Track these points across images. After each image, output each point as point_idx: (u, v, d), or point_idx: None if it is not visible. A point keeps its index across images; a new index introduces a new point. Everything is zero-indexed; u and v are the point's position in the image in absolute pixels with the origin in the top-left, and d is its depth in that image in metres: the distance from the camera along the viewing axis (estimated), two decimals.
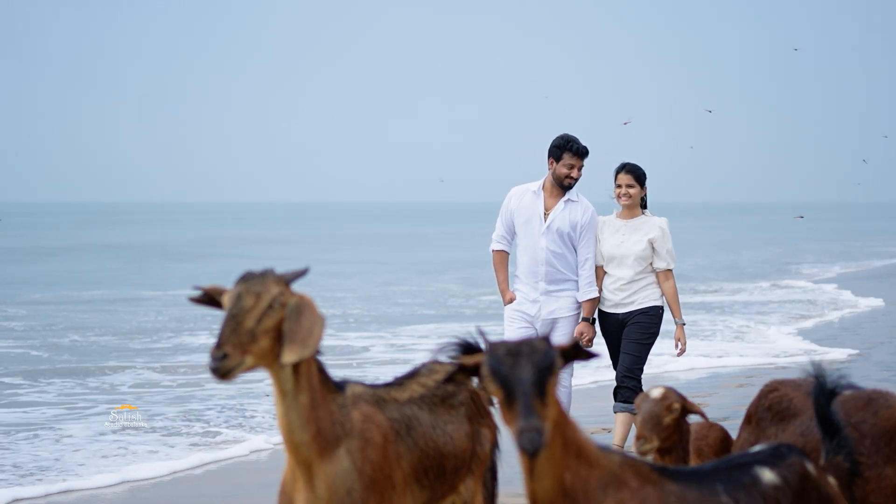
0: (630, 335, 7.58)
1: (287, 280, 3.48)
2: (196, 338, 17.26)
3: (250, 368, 3.37)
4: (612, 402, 7.70)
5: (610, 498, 3.14)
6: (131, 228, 70.18)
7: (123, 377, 13.27)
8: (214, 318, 19.83)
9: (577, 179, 7.68)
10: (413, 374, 4.08)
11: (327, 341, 13.99)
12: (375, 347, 15.79)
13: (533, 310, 7.66)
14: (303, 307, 3.44)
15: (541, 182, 7.78)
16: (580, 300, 7.66)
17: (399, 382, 4.02)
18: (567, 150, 7.63)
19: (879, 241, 49.55)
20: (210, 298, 3.52)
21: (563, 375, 6.48)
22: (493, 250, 7.89)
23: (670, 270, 7.65)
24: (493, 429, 4.21)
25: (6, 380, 12.98)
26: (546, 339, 3.06)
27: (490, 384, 2.99)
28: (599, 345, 7.73)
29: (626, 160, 7.78)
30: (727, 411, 9.32)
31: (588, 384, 11.53)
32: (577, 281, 7.67)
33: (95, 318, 20.06)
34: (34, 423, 10.42)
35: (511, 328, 7.67)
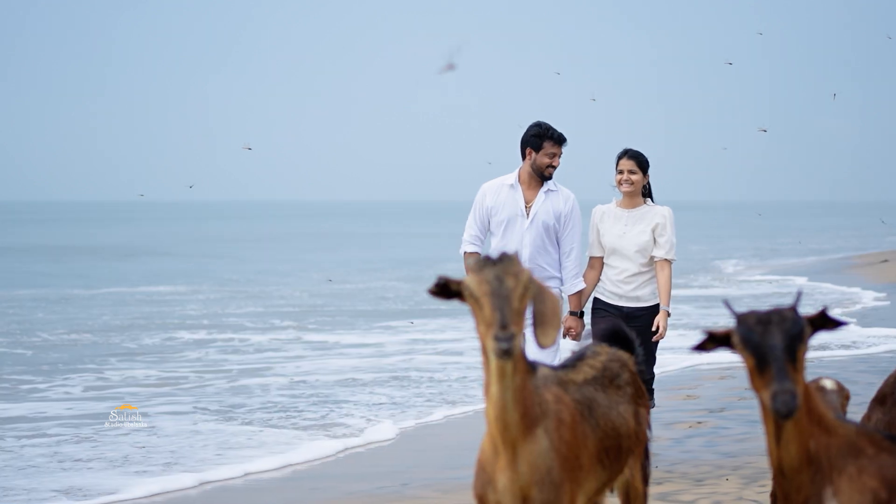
0: (640, 338, 7.03)
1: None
2: (176, 334, 16.52)
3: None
4: None
5: (850, 465, 3.31)
6: (85, 227, 68.04)
7: (136, 372, 12.62)
8: (172, 316, 19.27)
9: (554, 169, 7.28)
10: (581, 357, 4.14)
11: (337, 338, 14.35)
12: (388, 344, 15.32)
13: None
14: (543, 289, 3.54)
15: (515, 175, 7.32)
16: (567, 293, 7.23)
17: (571, 365, 4.06)
18: (548, 138, 7.24)
19: (793, 238, 50.31)
20: (445, 290, 3.53)
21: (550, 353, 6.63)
22: (465, 252, 7.28)
23: (668, 261, 7.34)
24: (649, 409, 4.34)
25: (14, 377, 12.17)
26: (794, 308, 3.18)
27: (742, 352, 3.14)
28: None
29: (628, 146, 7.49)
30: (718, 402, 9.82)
31: None
32: (559, 277, 7.21)
33: (49, 317, 19.00)
34: (96, 416, 9.84)
35: None
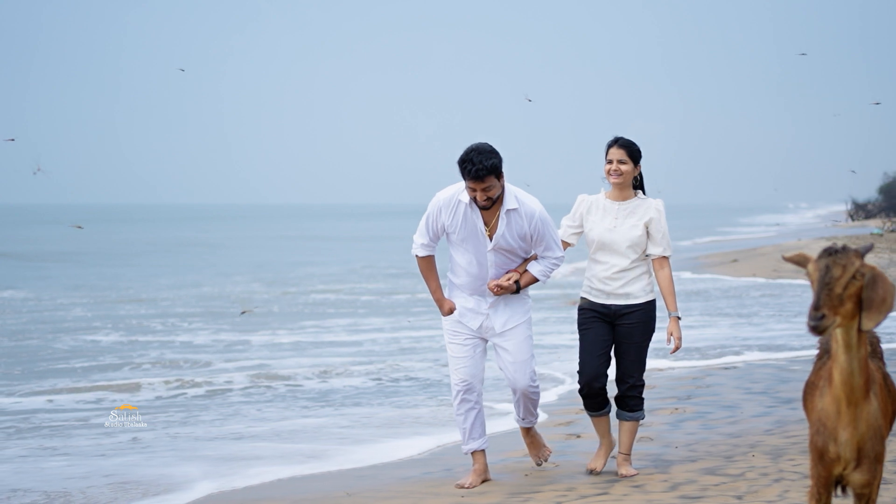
0: (631, 337, 6.80)
1: (862, 254, 4.00)
2: (105, 337, 16.39)
3: (838, 327, 3.97)
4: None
5: None
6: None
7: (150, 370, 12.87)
8: (112, 317, 18.55)
9: (492, 199, 6.50)
10: None
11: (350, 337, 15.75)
12: (373, 340, 15.57)
13: (476, 323, 6.74)
14: (878, 278, 3.95)
15: None
16: (530, 262, 6.78)
17: None
18: (463, 171, 6.44)
19: None
20: (797, 262, 4.13)
21: (523, 328, 6.76)
22: (416, 256, 6.79)
23: (666, 258, 6.83)
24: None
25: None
26: None
27: None
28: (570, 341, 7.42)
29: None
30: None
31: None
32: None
33: None
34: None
35: (455, 344, 6.75)
